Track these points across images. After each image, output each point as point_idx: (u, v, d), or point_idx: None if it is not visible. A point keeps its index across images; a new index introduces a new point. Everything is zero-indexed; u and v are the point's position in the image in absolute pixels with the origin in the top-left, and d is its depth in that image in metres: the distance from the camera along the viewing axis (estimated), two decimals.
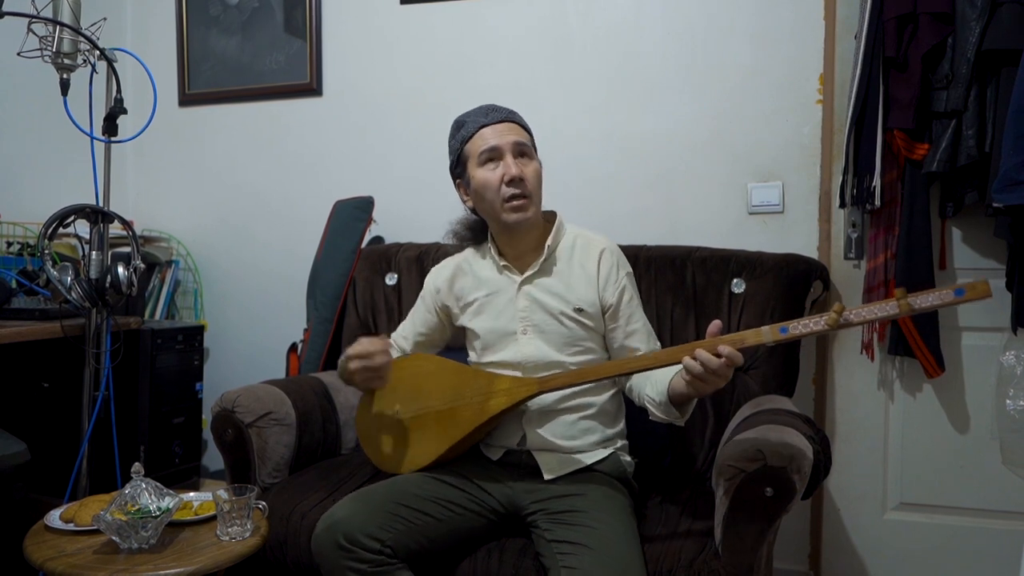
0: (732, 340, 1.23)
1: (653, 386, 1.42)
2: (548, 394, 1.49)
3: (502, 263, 1.58)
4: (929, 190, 1.88)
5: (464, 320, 1.63)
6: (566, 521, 1.36)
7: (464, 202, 1.60)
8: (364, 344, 1.48)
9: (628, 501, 1.49)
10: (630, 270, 1.61)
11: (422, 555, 1.37)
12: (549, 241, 1.56)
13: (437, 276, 1.69)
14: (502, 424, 1.55)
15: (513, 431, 1.54)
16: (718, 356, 1.21)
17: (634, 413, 1.62)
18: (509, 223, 1.51)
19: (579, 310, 1.53)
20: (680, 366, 1.29)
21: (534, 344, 1.54)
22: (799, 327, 1.21)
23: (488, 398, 1.46)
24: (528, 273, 1.56)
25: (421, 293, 1.73)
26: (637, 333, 1.56)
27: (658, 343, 1.60)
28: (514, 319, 1.55)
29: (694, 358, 1.23)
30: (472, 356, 1.65)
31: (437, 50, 2.42)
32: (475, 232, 1.66)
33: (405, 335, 1.73)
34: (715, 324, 1.26)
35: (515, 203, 1.48)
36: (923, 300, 1.13)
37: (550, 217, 1.61)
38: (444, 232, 1.71)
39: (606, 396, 1.56)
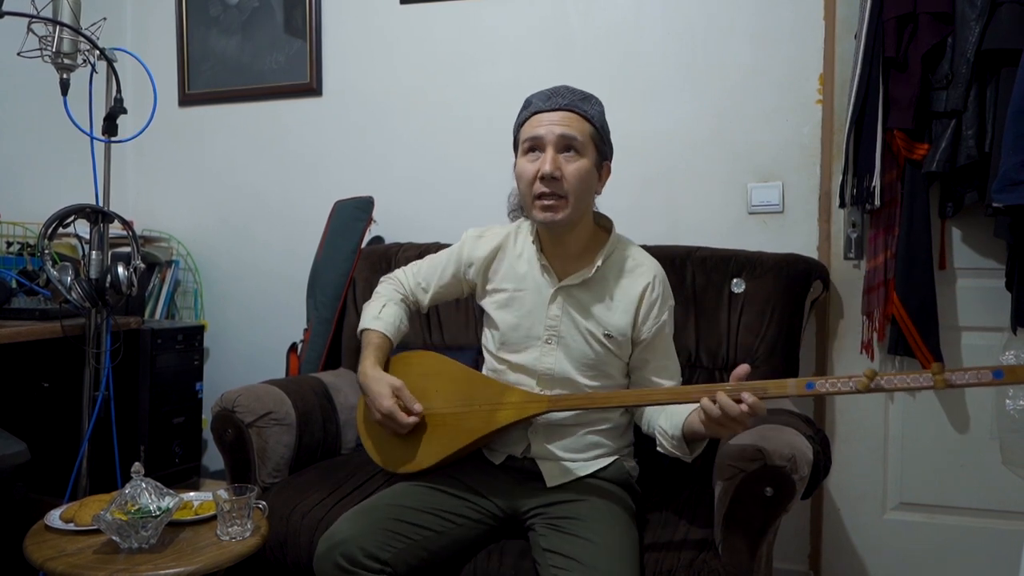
0: (754, 388, 1.19)
1: (668, 418, 1.37)
2: (546, 413, 1.47)
3: (543, 262, 1.50)
4: (929, 190, 1.88)
5: (488, 305, 1.57)
6: (563, 529, 1.35)
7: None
8: (400, 418, 1.45)
9: (630, 507, 1.48)
10: (673, 303, 1.53)
11: (423, 569, 1.36)
12: (599, 261, 1.46)
13: (475, 248, 1.58)
14: (507, 433, 1.51)
15: (518, 440, 1.52)
16: (739, 403, 1.18)
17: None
18: (536, 221, 1.45)
19: (608, 336, 1.46)
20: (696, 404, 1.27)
21: (555, 356, 1.48)
22: (826, 385, 1.17)
23: (497, 409, 1.43)
24: (567, 283, 1.48)
25: (454, 251, 1.62)
26: (667, 369, 1.51)
27: (681, 379, 1.55)
28: (541, 324, 1.49)
29: (714, 401, 1.20)
30: (488, 343, 1.60)
31: (437, 50, 2.43)
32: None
33: (425, 287, 1.64)
34: (742, 368, 1.22)
35: (544, 202, 1.39)
36: (959, 377, 1.09)
37: (606, 224, 1.54)
38: (510, 192, 1.59)
39: (616, 414, 1.54)
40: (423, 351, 1.62)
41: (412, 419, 1.47)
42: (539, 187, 1.39)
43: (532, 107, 1.44)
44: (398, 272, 1.69)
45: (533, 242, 1.52)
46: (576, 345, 1.48)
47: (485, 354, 1.62)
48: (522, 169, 1.42)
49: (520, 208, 1.56)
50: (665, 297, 1.50)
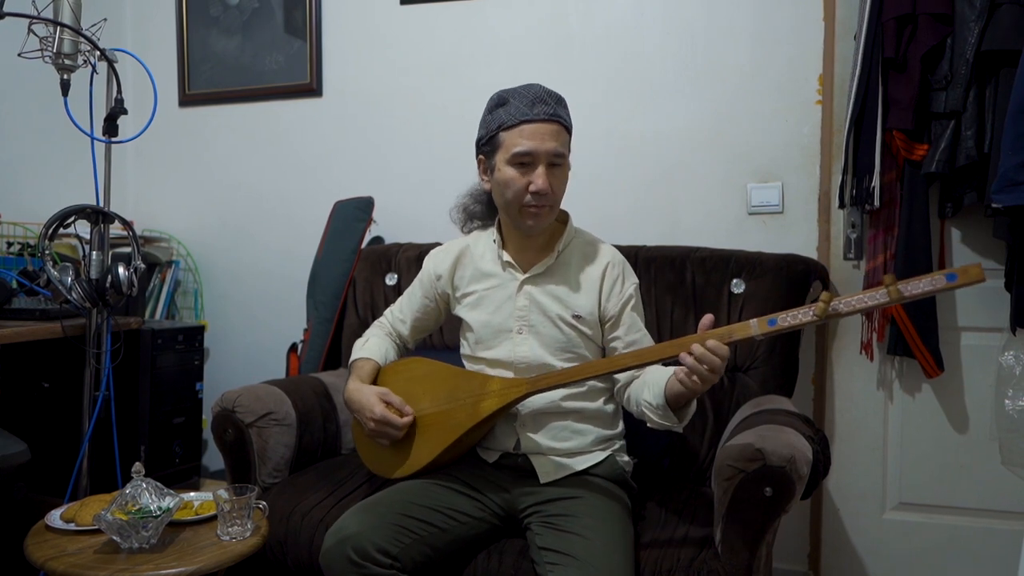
0: (720, 334, 1.24)
1: (650, 390, 1.39)
2: (541, 398, 1.48)
3: (505, 258, 1.56)
4: (928, 191, 1.89)
5: (460, 311, 1.62)
6: (557, 527, 1.36)
7: (482, 180, 1.55)
8: (394, 420, 1.48)
9: (625, 503, 1.49)
10: (636, 281, 1.58)
11: (427, 565, 1.36)
12: (560, 246, 1.54)
13: (438, 262, 1.65)
14: (497, 429, 1.54)
15: (508, 435, 1.53)
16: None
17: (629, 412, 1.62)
18: (522, 228, 1.50)
19: (577, 317, 1.51)
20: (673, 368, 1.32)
21: (528, 344, 1.52)
22: (788, 319, 1.20)
23: (480, 400, 1.45)
24: (532, 273, 1.54)
25: (419, 276, 1.69)
26: (637, 344, 1.52)
27: None
28: (511, 317, 1.54)
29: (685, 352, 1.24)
30: (465, 348, 1.63)
31: (437, 50, 2.43)
32: (485, 208, 1.62)
33: (403, 318, 1.71)
34: (707, 318, 1.27)
35: (533, 210, 1.45)
36: (913, 287, 1.09)
37: (562, 217, 1.59)
38: (451, 207, 1.66)
39: (600, 401, 1.55)
40: (411, 358, 1.63)
41: (406, 419, 1.49)
42: (529, 199, 1.44)
43: (516, 112, 1.44)
44: (381, 316, 1.77)
45: (494, 241, 1.58)
46: (546, 331, 1.52)
47: (464, 361, 1.63)
48: (510, 179, 1.44)
49: (477, 217, 1.64)
50: (626, 274, 1.57)
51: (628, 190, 2.24)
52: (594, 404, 1.54)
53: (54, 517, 1.44)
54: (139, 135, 2.00)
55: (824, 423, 2.10)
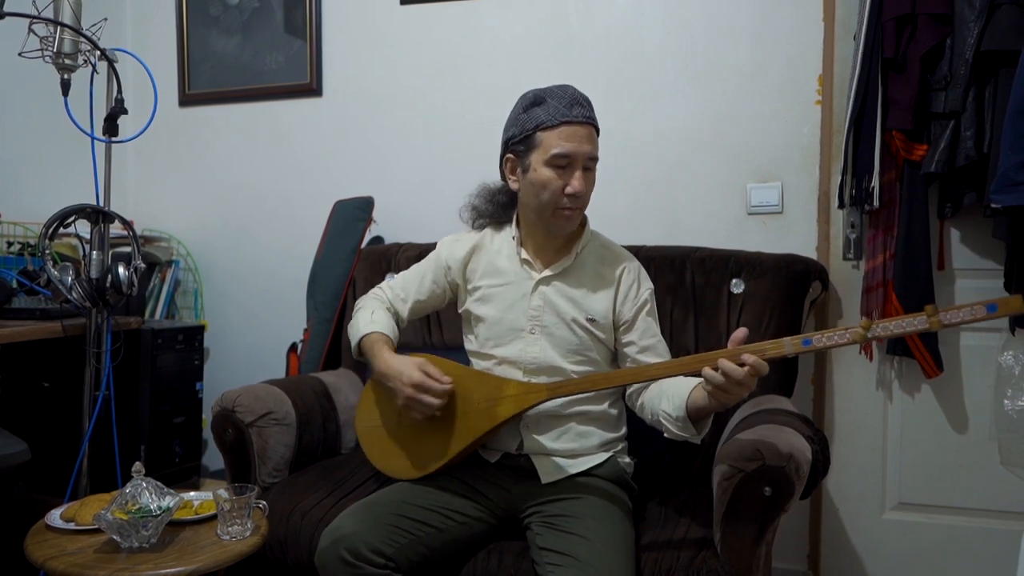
0: (752, 351, 1.20)
1: (669, 401, 1.37)
2: (547, 401, 1.46)
3: (523, 256, 1.55)
4: (928, 191, 1.89)
5: (470, 305, 1.60)
6: (558, 527, 1.36)
7: (508, 179, 1.53)
8: (433, 386, 1.41)
9: (626, 504, 1.49)
10: (651, 287, 1.58)
11: (424, 565, 1.36)
12: (578, 248, 1.54)
13: (454, 251, 1.62)
14: (500, 429, 1.52)
15: (511, 436, 1.52)
16: (741, 365, 1.19)
17: (633, 412, 1.61)
18: (553, 229, 1.50)
19: (591, 320, 1.51)
20: (697, 379, 1.29)
21: (539, 345, 1.51)
22: (823, 340, 1.18)
23: (496, 404, 1.43)
24: (548, 272, 1.53)
25: (431, 260, 1.65)
26: (652, 349, 1.52)
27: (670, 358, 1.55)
28: (524, 316, 1.52)
29: (715, 368, 1.20)
30: (471, 344, 1.61)
31: (437, 50, 2.43)
32: (498, 208, 1.61)
33: (404, 297, 1.65)
34: (740, 332, 1.23)
35: (567, 212, 1.46)
36: (954, 316, 1.08)
37: (581, 219, 1.58)
38: (460, 206, 1.64)
39: (605, 404, 1.54)
40: (424, 355, 1.58)
41: (446, 386, 1.42)
42: (565, 201, 1.44)
43: (556, 112, 1.42)
44: (377, 288, 1.71)
45: (513, 238, 1.57)
46: (559, 333, 1.51)
47: (470, 358, 1.62)
48: (547, 180, 1.43)
49: (487, 216, 1.62)
50: (642, 279, 1.57)
51: (628, 190, 2.24)
52: (599, 407, 1.53)
53: (54, 516, 1.44)
54: (139, 135, 2.00)
55: (824, 423, 2.10)
